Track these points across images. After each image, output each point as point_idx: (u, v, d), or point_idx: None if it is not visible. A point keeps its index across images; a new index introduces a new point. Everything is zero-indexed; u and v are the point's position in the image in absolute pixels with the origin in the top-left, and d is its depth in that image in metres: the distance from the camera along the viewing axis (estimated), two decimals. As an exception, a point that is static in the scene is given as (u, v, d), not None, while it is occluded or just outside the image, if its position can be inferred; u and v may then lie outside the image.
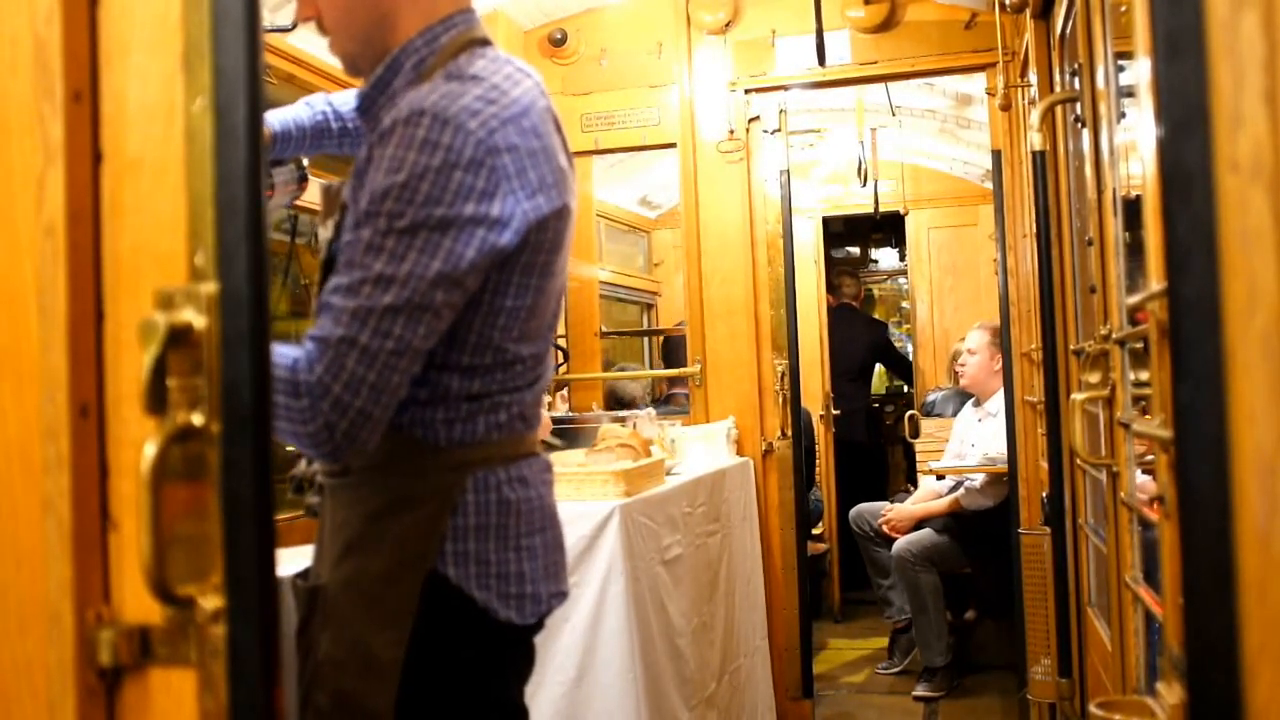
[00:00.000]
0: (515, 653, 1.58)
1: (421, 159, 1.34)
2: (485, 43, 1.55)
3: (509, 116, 1.41)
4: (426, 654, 1.44)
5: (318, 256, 1.57)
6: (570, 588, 2.66)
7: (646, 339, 6.81)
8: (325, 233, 1.54)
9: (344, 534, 1.48)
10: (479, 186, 1.36)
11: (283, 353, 1.33)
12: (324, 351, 1.32)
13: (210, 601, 0.85)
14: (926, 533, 4.95)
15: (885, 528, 5.10)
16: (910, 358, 7.43)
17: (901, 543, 4.95)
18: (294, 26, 1.68)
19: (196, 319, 0.85)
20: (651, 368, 6.37)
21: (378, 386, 1.34)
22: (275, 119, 1.82)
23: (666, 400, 5.43)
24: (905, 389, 7.71)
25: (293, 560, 1.69)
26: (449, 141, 1.35)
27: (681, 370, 4.57)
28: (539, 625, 1.58)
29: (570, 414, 4.46)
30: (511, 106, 1.42)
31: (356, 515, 1.48)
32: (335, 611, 1.46)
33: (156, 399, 0.84)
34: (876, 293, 9.60)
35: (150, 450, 0.82)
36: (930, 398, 6.27)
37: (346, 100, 1.87)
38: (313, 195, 1.92)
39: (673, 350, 5.74)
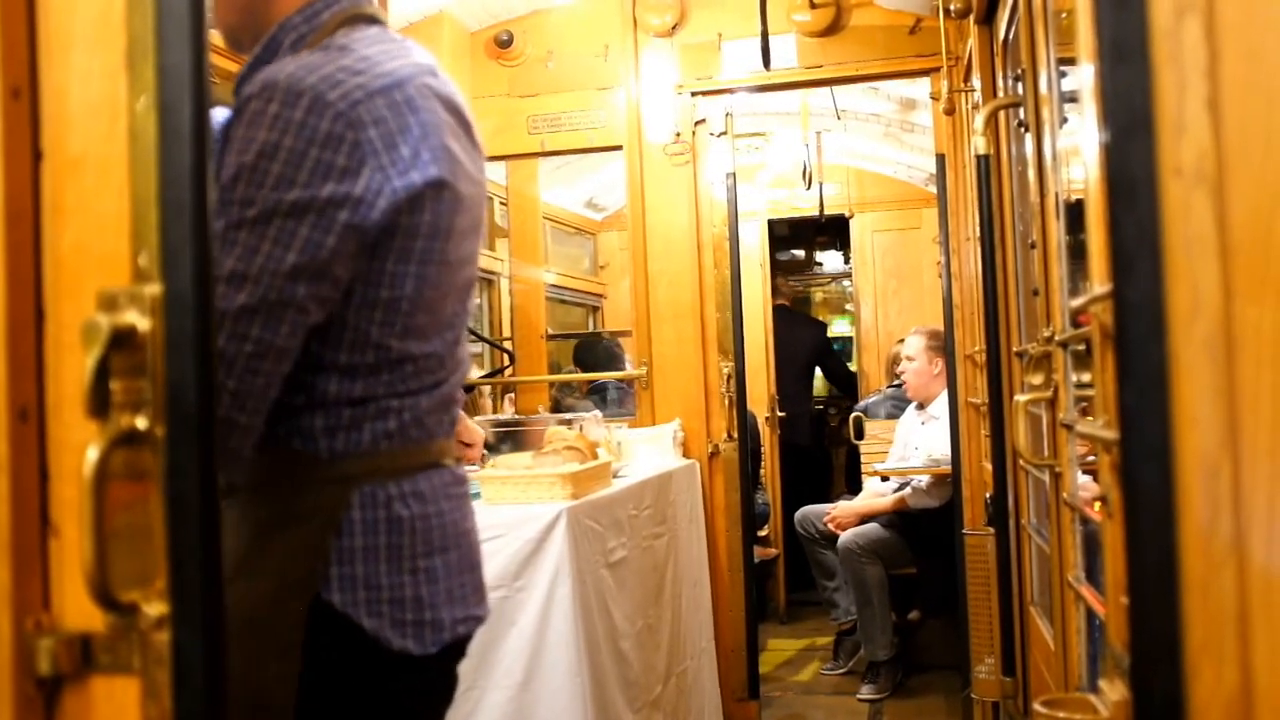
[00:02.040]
0: (420, 685, 1.42)
1: (272, 136, 1.23)
2: (373, 20, 1.44)
3: (378, 89, 1.29)
4: (318, 690, 1.32)
5: None
6: (516, 591, 2.70)
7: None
8: None
9: (230, 558, 1.37)
10: (339, 164, 1.25)
11: None
12: None
13: (154, 607, 0.83)
14: (873, 526, 4.99)
15: (831, 525, 5.13)
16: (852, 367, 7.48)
17: (848, 535, 4.97)
18: None
19: (140, 321, 0.83)
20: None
21: (240, 393, 1.23)
22: None
23: (600, 392, 5.37)
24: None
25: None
26: (302, 117, 1.24)
27: (628, 373, 4.57)
28: (456, 653, 1.46)
29: (516, 416, 4.44)
30: (383, 78, 1.31)
31: (241, 536, 1.34)
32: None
33: (99, 402, 0.83)
34: (821, 296, 9.67)
35: (92, 454, 0.81)
36: (863, 403, 6.30)
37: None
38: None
39: (587, 352, 5.73)
